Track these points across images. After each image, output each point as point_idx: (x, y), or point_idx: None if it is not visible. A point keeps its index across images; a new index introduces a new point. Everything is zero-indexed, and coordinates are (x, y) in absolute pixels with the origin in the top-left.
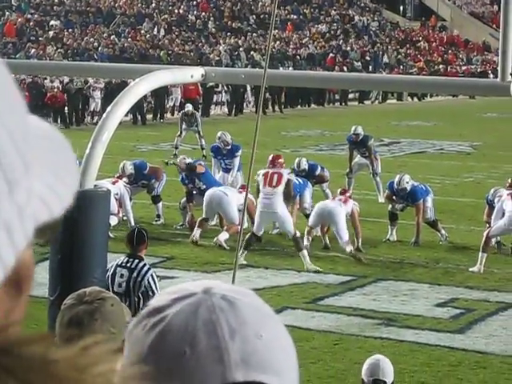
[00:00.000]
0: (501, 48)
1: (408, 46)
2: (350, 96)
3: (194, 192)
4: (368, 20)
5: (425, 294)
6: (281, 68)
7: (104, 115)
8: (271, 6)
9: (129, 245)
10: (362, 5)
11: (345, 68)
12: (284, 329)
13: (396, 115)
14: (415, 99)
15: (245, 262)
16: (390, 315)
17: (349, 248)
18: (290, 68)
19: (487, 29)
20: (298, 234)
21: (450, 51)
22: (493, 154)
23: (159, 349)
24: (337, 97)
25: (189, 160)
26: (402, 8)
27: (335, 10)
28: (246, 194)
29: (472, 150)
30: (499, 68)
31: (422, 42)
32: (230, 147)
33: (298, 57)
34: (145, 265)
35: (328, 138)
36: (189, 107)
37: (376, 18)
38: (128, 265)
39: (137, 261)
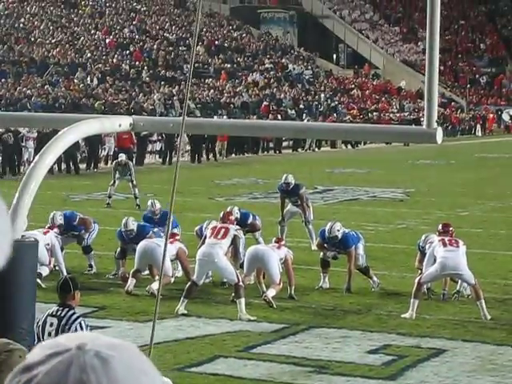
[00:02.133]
0: (426, 95)
1: (341, 93)
2: (284, 144)
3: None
4: (301, 68)
5: (357, 341)
6: (215, 117)
7: (32, 165)
8: (205, 55)
9: (58, 294)
10: (296, 53)
11: (279, 116)
12: (158, 383)
13: (330, 163)
14: (349, 146)
15: (185, 312)
16: (323, 363)
17: (270, 292)
18: (225, 116)
19: (420, 76)
20: (241, 283)
21: (383, 99)
22: (425, 201)
23: None
24: (271, 145)
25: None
26: (335, 56)
27: (269, 59)
28: (165, 241)
29: (405, 196)
30: (425, 115)
31: (355, 90)
32: (159, 215)
33: (231, 105)
34: (74, 313)
35: (262, 186)
36: (122, 157)
37: (310, 67)
38: (58, 313)
39: (66, 309)
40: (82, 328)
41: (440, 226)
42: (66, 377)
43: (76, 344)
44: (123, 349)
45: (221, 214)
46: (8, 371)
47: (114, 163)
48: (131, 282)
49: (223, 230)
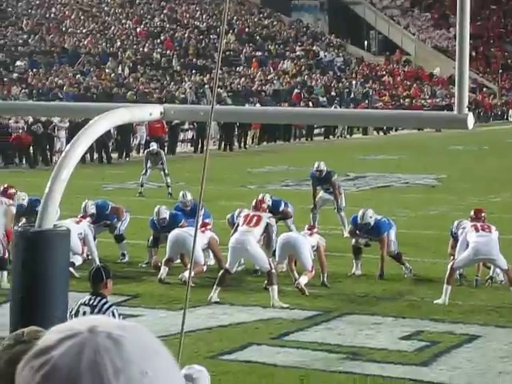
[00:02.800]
0: (457, 81)
1: (373, 80)
2: (316, 131)
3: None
4: (333, 55)
5: (390, 328)
6: (246, 105)
7: (63, 154)
8: (236, 43)
9: (90, 283)
10: (327, 40)
11: (310, 103)
12: (172, 364)
13: (361, 149)
14: (381, 133)
15: (218, 300)
16: (355, 349)
17: (303, 280)
18: (257, 105)
19: (451, 63)
20: (274, 270)
21: (414, 85)
22: (457, 187)
23: None
24: (303, 132)
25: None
26: (366, 43)
27: (300, 46)
28: (196, 228)
29: (437, 182)
30: (456, 100)
31: (386, 77)
32: (191, 206)
33: (263, 93)
34: (106, 302)
35: (294, 174)
36: (153, 146)
37: (341, 53)
38: (90, 302)
39: (99, 298)
40: (114, 316)
41: (472, 212)
42: (80, 359)
43: (87, 327)
44: (134, 330)
45: (253, 202)
46: None
47: (145, 152)
48: (164, 270)
49: (256, 217)
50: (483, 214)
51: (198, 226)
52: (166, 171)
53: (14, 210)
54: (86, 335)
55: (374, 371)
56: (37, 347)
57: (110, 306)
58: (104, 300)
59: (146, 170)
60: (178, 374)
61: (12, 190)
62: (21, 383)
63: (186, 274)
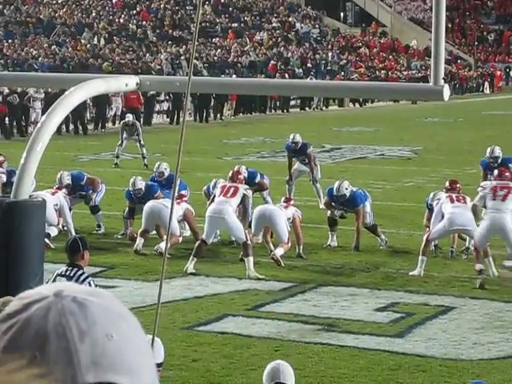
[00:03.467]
0: (433, 52)
1: (349, 52)
2: (292, 103)
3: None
4: (309, 27)
5: (365, 299)
6: (222, 76)
7: (38, 125)
8: (212, 15)
9: (67, 254)
10: (303, 12)
11: (286, 75)
12: (138, 328)
13: (337, 121)
14: (357, 105)
15: (194, 271)
16: (331, 320)
17: (279, 251)
18: (233, 76)
19: (427, 34)
20: (249, 242)
21: (390, 57)
22: (433, 159)
23: (10, 354)
24: (278, 104)
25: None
26: (342, 14)
27: (276, 18)
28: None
29: (412, 154)
30: (431, 72)
31: (362, 48)
32: (166, 178)
33: (239, 64)
34: (83, 273)
35: (269, 145)
36: (129, 117)
37: (317, 25)
38: (67, 273)
39: (75, 269)
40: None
41: (447, 183)
42: (46, 321)
43: (53, 291)
44: (100, 295)
45: (229, 173)
46: None
47: (121, 123)
48: (139, 241)
49: (233, 188)
50: (458, 185)
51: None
52: (142, 142)
53: (4, 178)
54: (51, 299)
55: (349, 342)
56: (3, 312)
57: (87, 277)
58: (80, 271)
59: (122, 141)
60: (144, 338)
61: (1, 158)
62: None
63: (162, 245)
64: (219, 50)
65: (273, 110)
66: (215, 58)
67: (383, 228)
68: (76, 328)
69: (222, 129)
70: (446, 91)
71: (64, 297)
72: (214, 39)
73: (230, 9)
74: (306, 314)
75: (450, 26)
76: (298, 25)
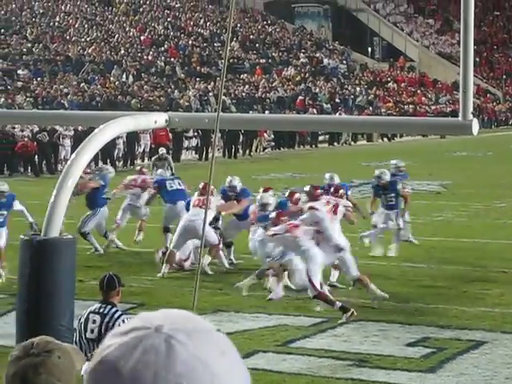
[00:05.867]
0: (461, 87)
1: (377, 86)
2: (321, 138)
3: None
4: (336, 62)
5: (396, 334)
6: (250, 112)
7: (68, 162)
8: (240, 51)
9: (102, 291)
10: (331, 47)
11: (314, 110)
12: (222, 379)
13: (366, 156)
14: (385, 140)
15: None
16: (362, 356)
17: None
18: (267, 112)
19: (455, 68)
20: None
21: (418, 91)
22: (462, 193)
23: (94, 376)
24: (307, 139)
25: None
26: (370, 49)
27: (303, 53)
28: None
29: (442, 188)
30: (460, 107)
31: (390, 83)
32: (238, 191)
33: (267, 100)
34: (117, 311)
35: (298, 181)
36: (162, 150)
37: (344, 60)
38: (100, 311)
39: (109, 307)
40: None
41: None
42: (131, 354)
43: (156, 324)
44: (200, 336)
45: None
46: (46, 373)
47: (152, 159)
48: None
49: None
50: None
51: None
52: (174, 174)
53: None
54: (148, 332)
55: (380, 378)
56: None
57: (121, 315)
58: (114, 309)
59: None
60: None
61: None
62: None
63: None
64: (247, 86)
65: (301, 146)
66: (243, 94)
67: (411, 262)
68: (152, 370)
69: (250, 165)
70: (475, 125)
71: (160, 334)
72: (241, 75)
73: (258, 45)
74: (336, 349)
75: (477, 59)
76: (325, 60)
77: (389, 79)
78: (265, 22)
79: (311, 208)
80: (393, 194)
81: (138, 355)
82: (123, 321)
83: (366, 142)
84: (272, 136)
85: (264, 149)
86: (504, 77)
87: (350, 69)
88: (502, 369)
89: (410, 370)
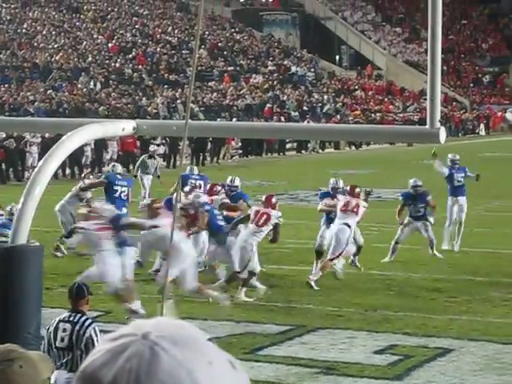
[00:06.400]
0: (429, 95)
1: (345, 94)
2: (288, 146)
3: None
4: (304, 70)
5: (363, 342)
6: (218, 119)
7: (36, 170)
8: (208, 58)
9: (71, 300)
10: (299, 55)
11: (282, 118)
12: None
13: (334, 164)
14: (353, 147)
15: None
16: (329, 363)
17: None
18: (235, 120)
19: (423, 77)
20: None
21: (386, 99)
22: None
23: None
24: (275, 147)
25: None
26: (337, 57)
27: (271, 61)
28: None
29: None
30: (428, 115)
31: (358, 91)
32: (238, 191)
33: (235, 108)
34: (87, 319)
35: (266, 188)
36: (154, 148)
37: (312, 68)
38: (70, 319)
39: (79, 315)
40: (96, 334)
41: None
42: (116, 360)
43: (143, 331)
44: (187, 343)
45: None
46: (6, 382)
47: (143, 156)
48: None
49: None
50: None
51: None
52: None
53: None
54: (134, 338)
55: None
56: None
57: (91, 323)
58: (84, 317)
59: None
60: None
61: None
62: None
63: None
64: (215, 94)
65: (269, 153)
66: (211, 102)
67: (381, 269)
68: (134, 376)
69: (218, 172)
70: (443, 134)
71: (146, 341)
72: (210, 83)
73: (226, 52)
74: (304, 357)
75: (445, 68)
76: (293, 68)
77: (356, 87)
78: (233, 30)
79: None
80: (423, 204)
81: (122, 362)
82: (94, 329)
83: (334, 150)
84: (240, 144)
85: (232, 156)
86: (471, 85)
87: (318, 77)
88: (468, 376)
89: (377, 378)
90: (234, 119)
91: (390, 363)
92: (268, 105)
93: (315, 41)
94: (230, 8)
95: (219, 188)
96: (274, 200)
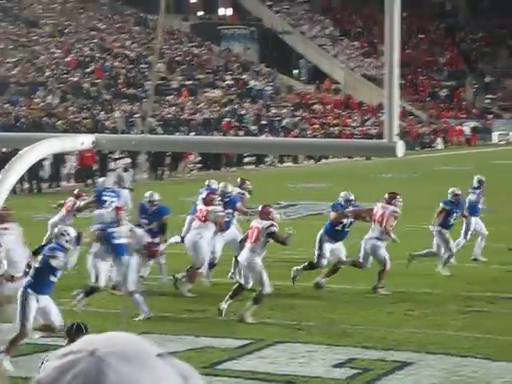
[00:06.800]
0: (386, 108)
1: (303, 108)
2: (247, 159)
3: None
4: (263, 84)
5: (323, 356)
6: (176, 133)
7: None
8: (166, 72)
9: (68, 337)
10: (257, 69)
11: (241, 132)
12: None
13: (292, 178)
14: (311, 161)
15: None
16: (289, 378)
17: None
18: (193, 134)
19: (380, 90)
20: None
21: (344, 113)
22: None
23: None
24: (233, 161)
25: None
26: (296, 71)
27: (230, 75)
28: None
29: None
30: (385, 129)
31: (316, 105)
32: (156, 208)
33: (193, 122)
34: None
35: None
36: (126, 161)
37: (271, 82)
38: None
39: None
40: None
41: None
42: (63, 378)
43: (91, 349)
44: (134, 361)
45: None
46: None
47: (118, 170)
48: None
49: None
50: None
51: None
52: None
53: None
54: (82, 355)
55: None
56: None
57: None
58: None
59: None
60: None
61: None
62: None
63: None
64: (173, 108)
65: (227, 167)
66: (169, 116)
67: (338, 284)
68: None
69: (177, 186)
70: (401, 147)
71: (93, 358)
72: (168, 97)
73: (184, 66)
74: (263, 371)
75: (402, 82)
76: (251, 82)
77: (315, 101)
78: (191, 44)
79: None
80: (458, 214)
81: (69, 379)
82: None
83: (292, 164)
84: (198, 158)
85: (190, 170)
86: (428, 99)
87: (277, 91)
88: None
89: None
90: (193, 133)
91: (348, 377)
92: (226, 119)
93: (274, 55)
94: (188, 22)
95: (214, 196)
96: (266, 210)
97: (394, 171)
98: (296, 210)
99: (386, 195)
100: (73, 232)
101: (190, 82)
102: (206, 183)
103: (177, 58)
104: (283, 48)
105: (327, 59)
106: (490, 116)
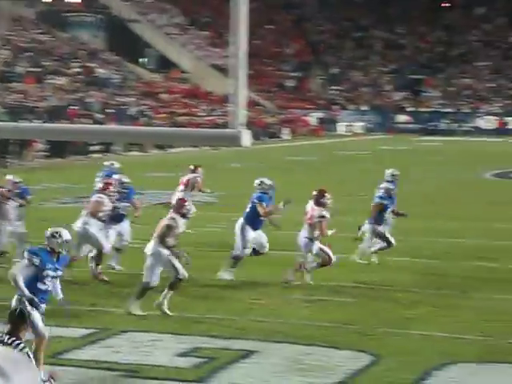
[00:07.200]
0: (232, 98)
1: (150, 97)
2: (92, 148)
3: None
4: (110, 72)
5: (167, 344)
6: (21, 121)
7: None
8: (11, 59)
9: (10, 323)
10: (104, 57)
11: (87, 120)
12: None
13: (140, 167)
14: (159, 150)
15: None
16: (133, 367)
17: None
18: (38, 121)
19: (228, 80)
20: None
21: (191, 103)
22: (236, 204)
23: None
24: (78, 149)
25: None
26: (143, 60)
27: (77, 63)
28: None
29: (215, 200)
30: (231, 118)
31: (164, 94)
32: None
33: (39, 109)
34: (20, 343)
35: (73, 191)
36: None
37: (118, 70)
38: (4, 340)
39: (13, 339)
40: (29, 357)
41: None
42: None
43: None
44: (21, 372)
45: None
46: None
47: None
48: None
49: None
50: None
51: None
52: None
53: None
54: None
55: None
56: None
57: (24, 348)
58: (18, 341)
59: None
60: None
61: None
62: None
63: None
64: (18, 95)
65: (73, 155)
66: (14, 103)
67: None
68: None
69: (22, 174)
70: (246, 137)
71: None
72: (13, 84)
73: (30, 53)
74: (107, 360)
75: (249, 72)
76: (98, 70)
77: (162, 90)
78: (36, 31)
79: None
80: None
81: None
82: (27, 354)
83: (139, 153)
84: (44, 145)
85: (35, 158)
86: (275, 89)
87: (123, 79)
88: (271, 377)
89: (181, 380)
90: (39, 121)
91: (193, 365)
92: (72, 106)
93: (121, 43)
94: (33, 8)
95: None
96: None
97: (243, 161)
98: (144, 200)
99: (314, 192)
100: None
101: (36, 69)
102: (107, 163)
103: (22, 45)
104: (131, 36)
105: (175, 48)
106: (336, 107)
